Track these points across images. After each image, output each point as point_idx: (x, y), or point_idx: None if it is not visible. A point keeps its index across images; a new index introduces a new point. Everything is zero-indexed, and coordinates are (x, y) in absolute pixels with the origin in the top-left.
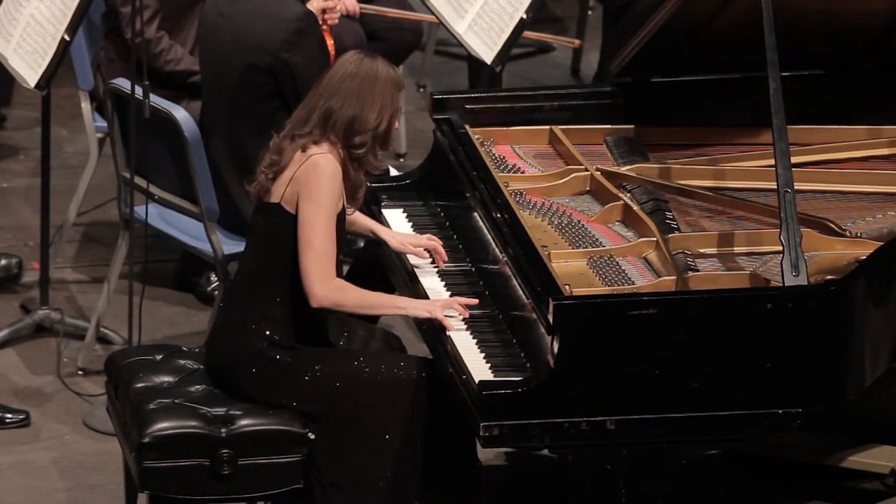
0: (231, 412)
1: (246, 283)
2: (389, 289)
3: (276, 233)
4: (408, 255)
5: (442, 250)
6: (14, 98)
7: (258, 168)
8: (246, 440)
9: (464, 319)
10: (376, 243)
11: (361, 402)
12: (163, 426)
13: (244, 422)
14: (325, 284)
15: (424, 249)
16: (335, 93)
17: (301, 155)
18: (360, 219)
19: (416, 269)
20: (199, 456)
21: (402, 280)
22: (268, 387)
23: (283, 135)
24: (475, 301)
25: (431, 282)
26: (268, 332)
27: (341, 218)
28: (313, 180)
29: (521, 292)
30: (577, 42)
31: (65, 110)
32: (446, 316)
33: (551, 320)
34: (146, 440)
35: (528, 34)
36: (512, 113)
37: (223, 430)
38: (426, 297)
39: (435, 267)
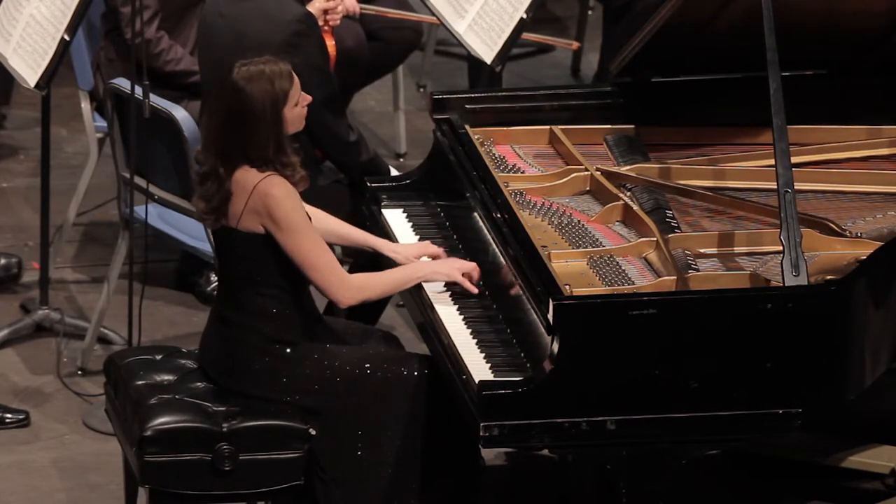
0: (232, 408)
1: (229, 289)
2: None
3: (245, 251)
4: None
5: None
6: (14, 98)
7: (193, 202)
8: (247, 436)
9: (464, 319)
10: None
11: (362, 398)
12: (164, 420)
13: (245, 417)
14: (347, 290)
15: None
16: (221, 130)
17: (239, 183)
18: (356, 234)
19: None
20: (201, 451)
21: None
22: (269, 384)
23: (203, 171)
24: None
25: (436, 286)
26: (264, 331)
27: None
28: (276, 211)
29: (521, 292)
30: (575, 44)
31: (64, 110)
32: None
33: (551, 320)
34: (147, 433)
35: (527, 36)
36: (512, 113)
37: (224, 426)
38: (432, 306)
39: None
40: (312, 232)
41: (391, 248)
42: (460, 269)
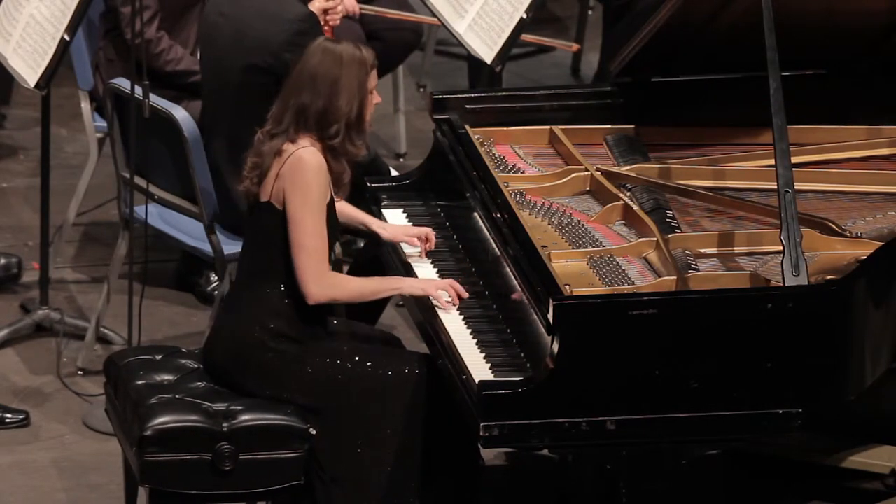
0: (232, 407)
1: (246, 280)
2: None
3: (270, 231)
4: (401, 245)
5: (433, 238)
6: (14, 98)
7: (243, 170)
8: (247, 435)
9: (464, 319)
10: (376, 243)
11: (363, 396)
12: (164, 420)
13: (245, 417)
14: (320, 283)
15: (416, 238)
16: (303, 87)
17: (282, 152)
18: (348, 210)
19: (410, 260)
20: (201, 450)
21: (394, 265)
22: (270, 380)
23: (262, 132)
24: (466, 295)
25: (426, 272)
26: (271, 326)
27: (331, 207)
28: (299, 177)
29: (521, 292)
30: (575, 46)
31: (64, 110)
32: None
33: (551, 320)
34: (147, 433)
35: (526, 37)
36: (512, 113)
37: (224, 425)
38: (436, 313)
39: (428, 258)
40: (320, 216)
41: (379, 225)
42: (437, 286)
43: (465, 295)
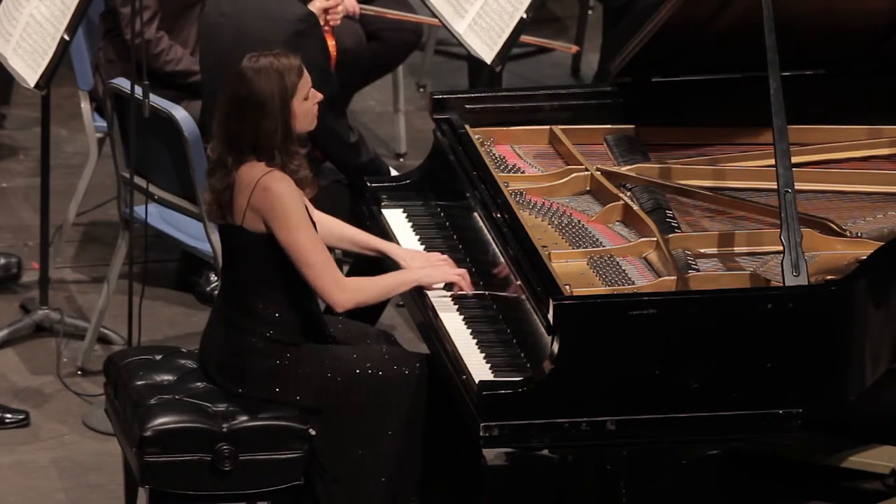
0: (232, 408)
1: (231, 292)
2: None
3: (246, 252)
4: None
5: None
6: (14, 98)
7: (202, 194)
8: (247, 436)
9: (464, 319)
10: None
11: (363, 397)
12: (164, 420)
13: (245, 417)
14: (342, 292)
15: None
16: (229, 115)
17: (243, 178)
18: (361, 238)
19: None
20: (201, 451)
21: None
22: (268, 384)
23: (212, 162)
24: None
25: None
26: (266, 333)
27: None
28: (276, 206)
29: (521, 292)
30: (574, 48)
31: (64, 110)
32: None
33: (551, 320)
34: (147, 434)
35: (526, 38)
36: (512, 113)
37: (224, 426)
38: (436, 314)
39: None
40: (311, 230)
41: (398, 254)
42: (453, 272)
43: (472, 290)
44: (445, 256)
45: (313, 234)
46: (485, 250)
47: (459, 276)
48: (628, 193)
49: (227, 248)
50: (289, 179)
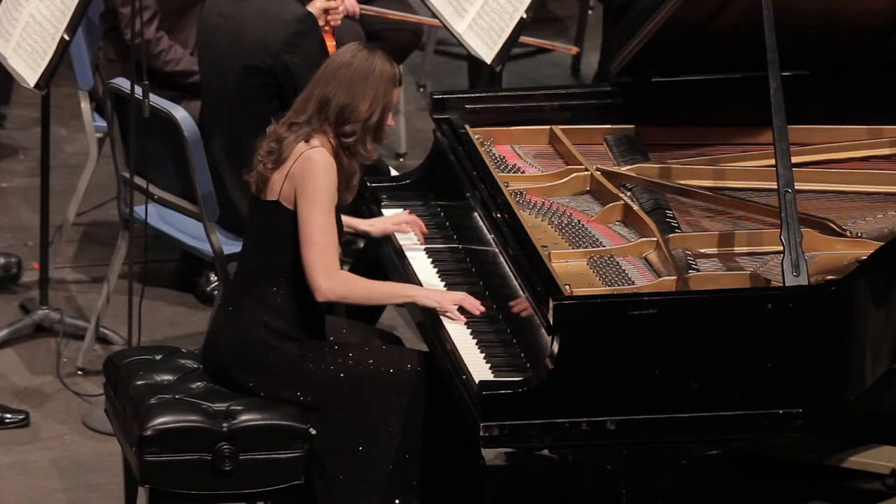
0: (232, 407)
1: (247, 278)
2: None
3: (275, 229)
4: (395, 235)
5: (419, 220)
6: (14, 98)
7: (255, 157)
8: (247, 435)
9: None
10: (376, 243)
11: (364, 394)
12: (164, 420)
13: (245, 417)
14: (330, 278)
15: (405, 224)
16: (330, 81)
17: (298, 148)
18: None
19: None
20: (201, 450)
21: (395, 266)
22: (271, 378)
23: (281, 122)
24: (483, 309)
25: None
26: (273, 325)
27: (338, 208)
28: (309, 177)
29: (521, 292)
30: (574, 49)
31: (64, 110)
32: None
33: (551, 320)
34: (147, 433)
35: (526, 39)
36: (512, 113)
37: (224, 425)
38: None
39: (427, 254)
40: (330, 214)
41: (366, 224)
42: (452, 300)
43: (480, 310)
44: (410, 215)
45: (331, 218)
46: (485, 250)
47: (458, 304)
48: (628, 193)
49: (254, 226)
50: (333, 161)
